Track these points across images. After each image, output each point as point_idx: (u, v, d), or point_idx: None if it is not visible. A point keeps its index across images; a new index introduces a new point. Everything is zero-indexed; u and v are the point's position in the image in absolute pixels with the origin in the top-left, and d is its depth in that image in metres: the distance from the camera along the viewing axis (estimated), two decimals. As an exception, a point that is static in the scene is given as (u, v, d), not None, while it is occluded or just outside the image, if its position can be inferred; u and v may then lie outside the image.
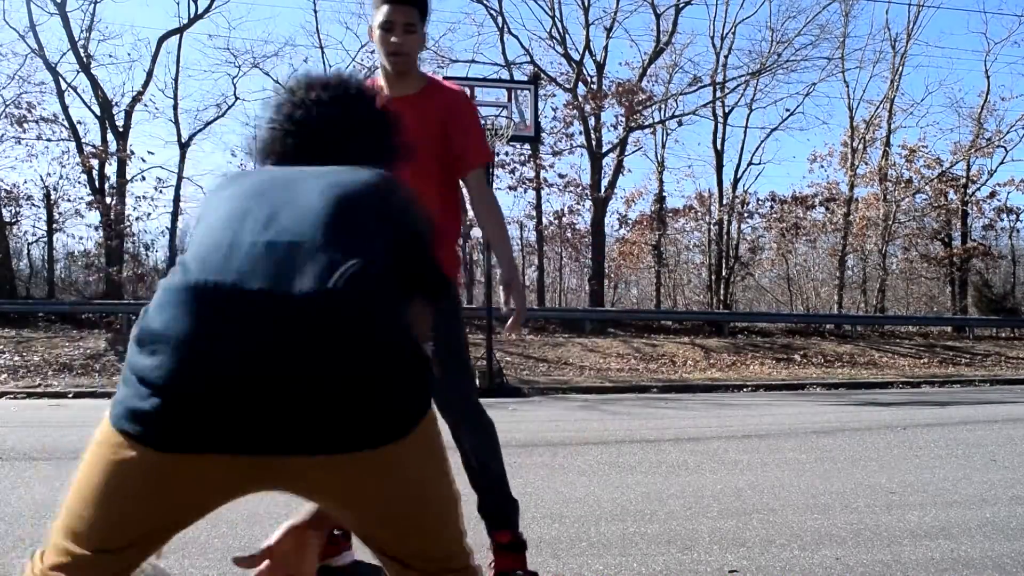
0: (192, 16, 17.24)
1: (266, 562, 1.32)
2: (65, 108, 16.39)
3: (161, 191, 17.38)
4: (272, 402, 1.04)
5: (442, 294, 1.37)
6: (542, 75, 17.08)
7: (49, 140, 17.03)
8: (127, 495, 1.09)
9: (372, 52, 18.17)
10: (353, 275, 1.11)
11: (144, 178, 19.35)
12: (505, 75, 16.75)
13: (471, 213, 2.41)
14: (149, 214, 20.69)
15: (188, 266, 1.11)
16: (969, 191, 21.34)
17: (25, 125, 16.84)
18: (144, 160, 19.90)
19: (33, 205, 17.32)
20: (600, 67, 18.85)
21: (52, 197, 16.88)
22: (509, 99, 10.48)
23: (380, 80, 2.36)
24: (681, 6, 18.70)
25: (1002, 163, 26.84)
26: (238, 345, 1.04)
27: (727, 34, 19.77)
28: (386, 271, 1.19)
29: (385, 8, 2.20)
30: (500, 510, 2.33)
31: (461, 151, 2.30)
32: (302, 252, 1.12)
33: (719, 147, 20.58)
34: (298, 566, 1.33)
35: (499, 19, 18.06)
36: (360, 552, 2.47)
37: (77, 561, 1.10)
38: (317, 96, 1.41)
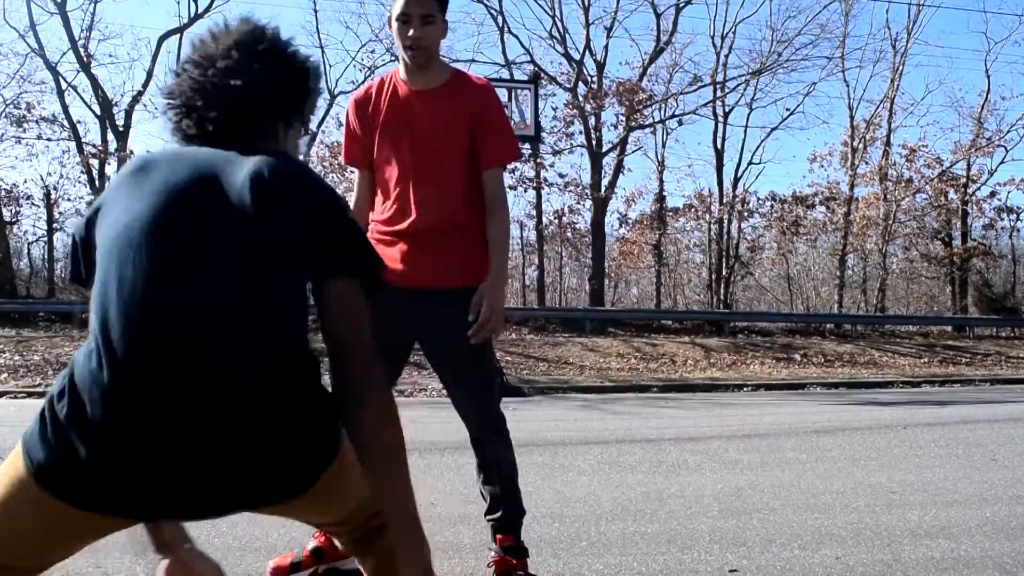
0: (192, 16, 17.18)
1: None
2: (65, 108, 16.38)
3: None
4: (215, 473, 1.07)
5: (377, 267, 1.25)
6: (542, 74, 17.04)
7: (49, 140, 17.04)
8: (28, 531, 1.08)
9: (372, 52, 18.16)
10: (266, 360, 1.12)
11: (144, 177, 19.34)
12: (505, 75, 16.70)
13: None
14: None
15: (112, 349, 1.05)
16: (969, 190, 21.29)
17: (25, 125, 16.86)
18: (144, 160, 19.85)
19: (33, 205, 17.34)
20: (600, 66, 18.81)
21: (52, 197, 16.88)
22: (509, 99, 10.50)
23: (400, 72, 2.29)
24: (681, 6, 18.67)
25: (1002, 162, 26.70)
26: (166, 425, 1.04)
27: (727, 33, 19.73)
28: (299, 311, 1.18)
29: None
30: (509, 517, 2.33)
31: (481, 149, 2.23)
32: (217, 314, 1.10)
33: (719, 146, 20.55)
34: None
35: (499, 18, 18.02)
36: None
37: None
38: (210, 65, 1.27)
